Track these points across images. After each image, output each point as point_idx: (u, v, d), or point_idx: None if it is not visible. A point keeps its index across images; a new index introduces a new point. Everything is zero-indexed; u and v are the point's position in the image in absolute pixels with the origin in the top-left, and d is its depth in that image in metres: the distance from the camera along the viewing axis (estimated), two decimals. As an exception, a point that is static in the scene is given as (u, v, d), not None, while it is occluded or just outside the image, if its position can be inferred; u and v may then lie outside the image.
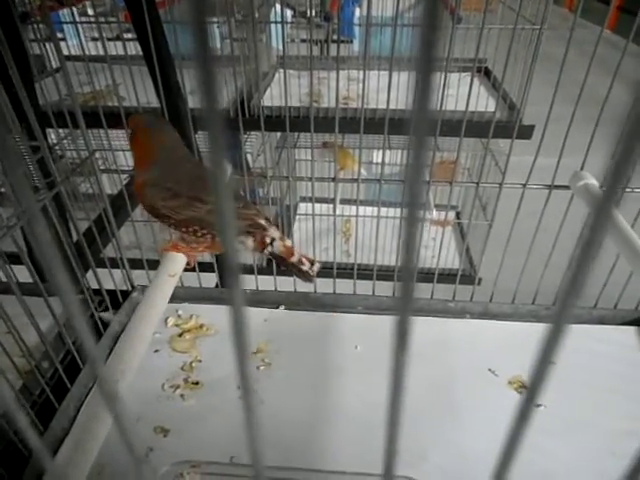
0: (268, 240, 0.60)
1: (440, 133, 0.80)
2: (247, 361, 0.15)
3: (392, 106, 0.75)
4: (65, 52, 0.73)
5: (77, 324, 0.15)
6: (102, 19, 1.48)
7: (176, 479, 0.55)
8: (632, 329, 0.75)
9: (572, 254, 0.64)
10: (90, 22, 1.51)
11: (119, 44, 1.34)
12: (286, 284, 0.82)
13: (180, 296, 0.80)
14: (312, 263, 0.62)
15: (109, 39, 1.21)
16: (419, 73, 0.11)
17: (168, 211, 0.55)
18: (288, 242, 0.61)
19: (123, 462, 0.57)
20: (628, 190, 0.68)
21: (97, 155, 0.76)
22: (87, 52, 1.05)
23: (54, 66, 1.23)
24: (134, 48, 1.06)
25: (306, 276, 0.62)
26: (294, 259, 0.60)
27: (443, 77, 0.68)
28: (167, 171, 0.56)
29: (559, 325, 0.14)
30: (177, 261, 0.54)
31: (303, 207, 1.66)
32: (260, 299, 0.81)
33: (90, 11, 1.63)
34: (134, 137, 0.56)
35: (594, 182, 0.66)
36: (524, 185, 0.71)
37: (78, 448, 0.36)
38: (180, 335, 0.75)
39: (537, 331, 0.76)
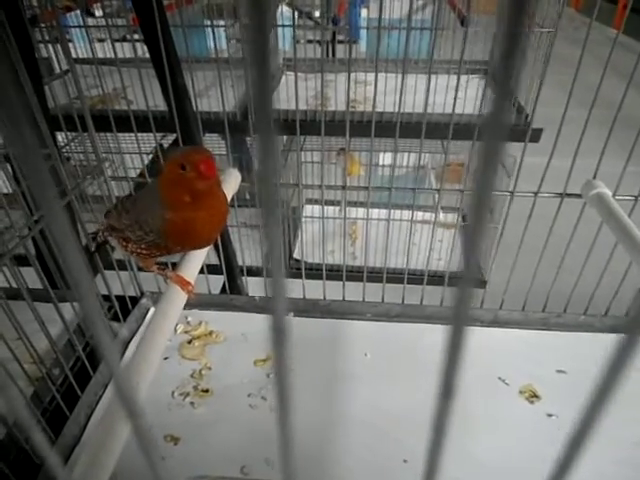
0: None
1: (445, 136, 0.79)
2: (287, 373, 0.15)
3: (402, 109, 0.74)
4: (72, 55, 0.73)
5: (100, 336, 0.14)
6: (109, 20, 1.47)
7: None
8: (644, 337, 0.75)
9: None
10: (98, 26, 1.51)
11: (125, 47, 1.34)
12: (296, 291, 0.81)
13: (189, 302, 0.79)
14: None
15: (116, 40, 1.21)
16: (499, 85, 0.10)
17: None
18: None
19: (135, 470, 0.57)
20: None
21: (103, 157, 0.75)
22: (92, 55, 1.05)
23: (61, 69, 1.23)
24: (138, 50, 1.06)
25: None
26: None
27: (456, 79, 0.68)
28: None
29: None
30: (190, 273, 0.54)
31: (309, 209, 1.66)
32: (270, 306, 0.81)
33: (97, 12, 1.62)
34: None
35: (607, 191, 0.65)
36: (535, 194, 0.70)
37: (95, 463, 0.36)
38: (189, 342, 0.75)
39: (547, 339, 0.75)
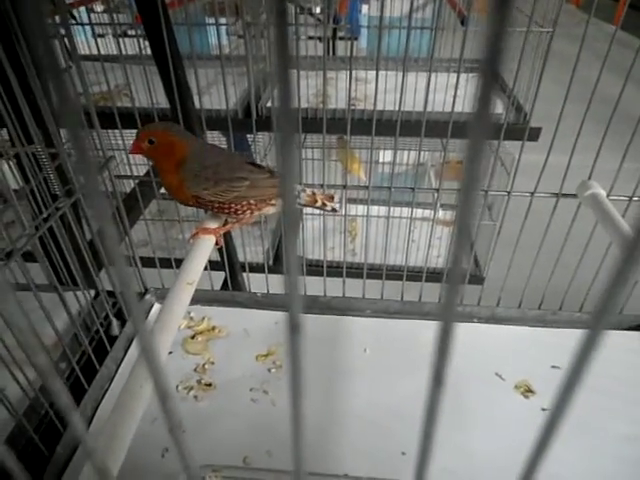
0: (296, 193, 0.65)
1: (445, 134, 0.80)
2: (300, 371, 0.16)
3: (402, 107, 0.75)
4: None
5: (137, 321, 0.15)
6: (112, 16, 1.47)
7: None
8: (637, 334, 0.76)
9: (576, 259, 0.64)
10: (101, 23, 1.51)
11: (126, 43, 1.34)
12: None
13: (192, 298, 0.81)
14: (332, 198, 0.69)
15: (117, 35, 1.21)
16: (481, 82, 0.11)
17: (214, 197, 0.61)
18: (308, 191, 0.68)
19: (141, 458, 0.59)
20: (636, 199, 0.68)
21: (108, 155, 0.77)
22: (98, 51, 1.05)
23: (67, 64, 1.23)
24: (136, 47, 1.07)
25: (331, 212, 0.70)
26: (318, 204, 0.67)
27: (455, 78, 0.69)
28: (201, 164, 0.60)
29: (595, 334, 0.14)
30: (195, 269, 0.56)
31: (309, 205, 1.67)
32: (271, 302, 0.82)
33: (99, 8, 1.63)
34: (157, 145, 0.58)
35: (601, 192, 0.67)
36: (532, 194, 0.72)
37: (105, 455, 0.38)
38: (193, 337, 0.76)
39: (543, 336, 0.77)
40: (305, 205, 0.68)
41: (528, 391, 0.68)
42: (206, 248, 0.61)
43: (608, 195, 0.67)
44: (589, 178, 0.70)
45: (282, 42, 0.11)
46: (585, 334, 0.14)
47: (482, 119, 0.12)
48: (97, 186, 0.12)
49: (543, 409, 0.66)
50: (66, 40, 0.74)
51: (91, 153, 0.13)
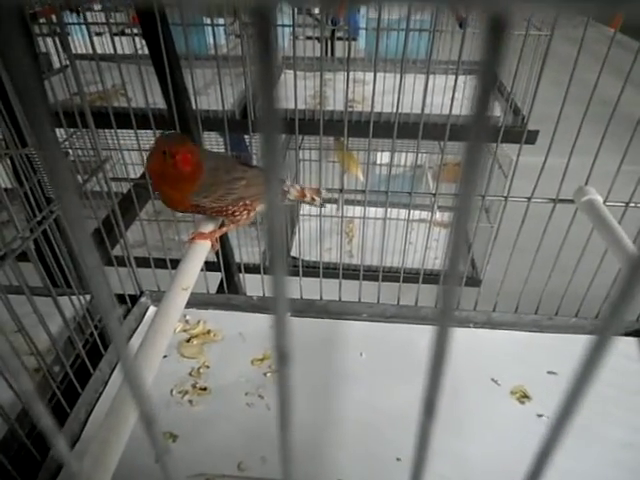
0: (286, 189, 0.68)
1: (442, 137, 0.80)
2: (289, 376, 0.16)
3: (400, 109, 0.75)
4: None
5: (114, 332, 0.15)
6: (106, 14, 1.46)
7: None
8: (633, 340, 0.76)
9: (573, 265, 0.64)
10: (98, 23, 1.50)
11: (122, 43, 1.33)
12: (292, 291, 0.83)
13: (188, 302, 0.81)
14: (318, 191, 0.71)
15: (114, 34, 1.20)
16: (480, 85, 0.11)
17: (215, 202, 0.61)
18: (297, 186, 0.69)
19: (135, 463, 0.59)
20: (632, 205, 0.68)
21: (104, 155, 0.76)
22: (93, 50, 1.04)
23: (61, 64, 1.22)
24: (137, 47, 1.06)
25: (318, 206, 0.72)
26: (307, 198, 0.69)
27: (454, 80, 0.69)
28: (212, 178, 0.60)
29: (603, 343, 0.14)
30: (190, 274, 0.55)
31: (307, 207, 1.67)
32: (266, 305, 0.82)
33: (96, 6, 1.62)
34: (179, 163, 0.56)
35: (598, 198, 0.67)
36: (529, 199, 0.71)
37: (98, 461, 0.38)
38: (188, 341, 0.76)
39: (540, 341, 0.77)
40: (295, 200, 0.69)
41: (524, 397, 0.68)
42: (202, 252, 0.61)
43: (605, 201, 0.67)
44: (586, 182, 0.70)
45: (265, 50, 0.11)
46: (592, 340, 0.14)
47: (480, 121, 0.11)
48: (78, 212, 0.12)
49: (539, 415, 0.66)
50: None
51: (64, 167, 0.13)
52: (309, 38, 1.63)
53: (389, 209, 0.79)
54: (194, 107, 0.87)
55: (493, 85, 0.11)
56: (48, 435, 0.16)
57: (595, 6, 0.09)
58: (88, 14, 1.60)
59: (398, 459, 0.61)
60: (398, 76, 0.74)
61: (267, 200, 0.13)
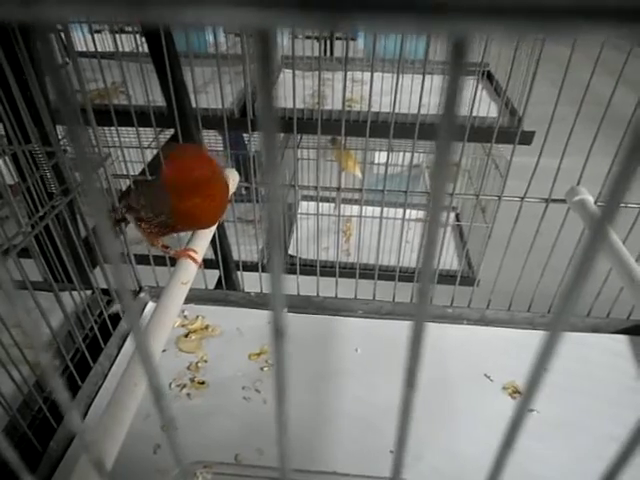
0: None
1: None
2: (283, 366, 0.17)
3: (397, 109, 0.76)
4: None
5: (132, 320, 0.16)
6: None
7: (189, 479, 0.57)
8: (623, 338, 0.78)
9: (566, 269, 0.66)
10: (98, 21, 1.51)
11: (122, 40, 1.34)
12: (289, 287, 0.84)
13: (186, 297, 0.82)
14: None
15: (114, 32, 1.20)
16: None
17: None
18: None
19: (134, 454, 0.60)
20: (622, 205, 0.70)
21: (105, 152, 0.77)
22: (94, 48, 1.06)
23: (63, 60, 1.23)
24: (133, 43, 1.07)
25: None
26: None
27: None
28: None
29: (554, 333, 0.15)
30: (189, 269, 0.56)
31: (304, 206, 1.68)
32: (264, 301, 0.83)
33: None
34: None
35: (589, 198, 0.68)
36: (522, 198, 0.73)
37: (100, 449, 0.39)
38: (186, 335, 0.77)
39: (532, 338, 0.78)
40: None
41: (516, 392, 0.70)
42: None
43: (596, 201, 0.69)
44: (579, 182, 0.72)
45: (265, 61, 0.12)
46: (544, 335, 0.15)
47: (449, 120, 0.12)
48: (94, 184, 0.13)
49: (530, 410, 0.67)
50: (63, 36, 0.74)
51: (88, 150, 0.14)
52: (308, 37, 1.64)
53: (386, 208, 0.80)
54: (193, 105, 0.89)
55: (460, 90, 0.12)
56: (63, 408, 0.17)
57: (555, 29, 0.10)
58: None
59: (391, 451, 0.62)
60: (396, 76, 0.76)
61: (267, 196, 0.14)
